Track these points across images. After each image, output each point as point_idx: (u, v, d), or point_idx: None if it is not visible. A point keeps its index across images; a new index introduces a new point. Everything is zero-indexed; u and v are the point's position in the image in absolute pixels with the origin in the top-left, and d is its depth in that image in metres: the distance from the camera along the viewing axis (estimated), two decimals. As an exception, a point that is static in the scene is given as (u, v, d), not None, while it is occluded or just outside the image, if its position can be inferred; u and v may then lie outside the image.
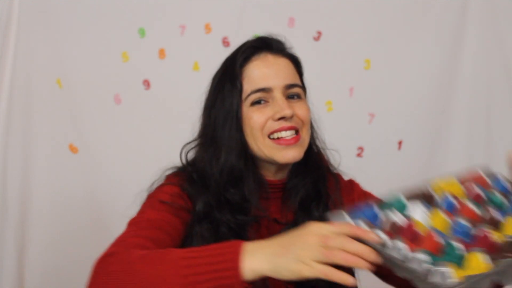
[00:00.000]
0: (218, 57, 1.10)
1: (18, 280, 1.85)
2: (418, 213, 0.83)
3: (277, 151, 1.00)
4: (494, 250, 0.75)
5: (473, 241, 0.77)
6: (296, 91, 1.04)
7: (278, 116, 0.99)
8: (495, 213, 0.84)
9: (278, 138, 1.00)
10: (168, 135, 1.80)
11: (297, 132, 1.02)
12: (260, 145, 1.01)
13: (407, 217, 0.81)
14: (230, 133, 1.02)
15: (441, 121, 2.02)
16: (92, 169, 1.91)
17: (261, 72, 1.02)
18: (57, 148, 1.88)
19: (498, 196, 0.89)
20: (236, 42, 1.09)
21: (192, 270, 0.75)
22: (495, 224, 0.81)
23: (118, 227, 0.96)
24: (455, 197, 0.87)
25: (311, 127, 1.09)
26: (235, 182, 1.01)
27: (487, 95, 2.00)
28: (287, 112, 0.99)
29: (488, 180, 0.94)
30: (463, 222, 0.80)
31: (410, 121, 2.02)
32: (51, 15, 1.83)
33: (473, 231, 0.78)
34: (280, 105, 1.00)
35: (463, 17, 1.97)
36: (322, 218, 0.83)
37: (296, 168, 1.07)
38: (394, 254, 0.73)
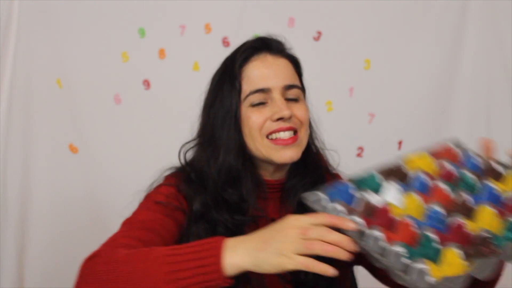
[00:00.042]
0: (218, 57, 1.10)
1: (18, 280, 1.86)
2: (393, 194, 0.85)
3: (274, 151, 1.00)
4: (468, 243, 0.77)
5: (447, 231, 0.79)
6: (295, 92, 1.04)
7: (277, 116, 0.99)
8: (467, 198, 0.86)
9: (276, 138, 1.00)
10: (168, 135, 1.80)
11: (295, 132, 1.02)
12: (258, 145, 1.01)
13: (383, 199, 0.83)
14: (229, 133, 1.02)
15: (441, 121, 2.02)
16: (92, 169, 1.91)
17: (260, 73, 1.02)
18: (57, 148, 1.88)
19: (470, 176, 0.91)
20: (236, 42, 1.09)
21: (175, 267, 0.77)
22: (468, 211, 0.83)
23: (118, 227, 0.96)
24: (428, 175, 0.89)
25: (310, 127, 1.09)
26: (233, 182, 1.01)
27: (487, 95, 2.00)
28: (285, 112, 0.99)
29: (459, 154, 0.96)
30: (437, 208, 0.82)
31: (410, 121, 2.02)
32: (51, 15, 1.83)
33: (448, 221, 0.80)
34: (278, 106, 1.00)
35: (463, 17, 1.97)
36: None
37: (295, 168, 1.07)
38: (371, 244, 0.75)
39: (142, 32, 1.89)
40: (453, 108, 2.01)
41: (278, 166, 1.05)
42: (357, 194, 0.84)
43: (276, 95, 1.01)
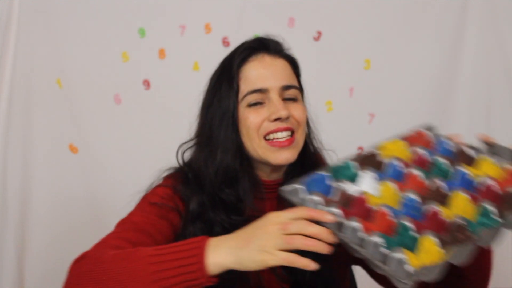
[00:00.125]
0: (218, 57, 1.10)
1: (18, 280, 1.86)
2: (368, 183, 0.85)
3: (270, 152, 1.01)
4: (444, 231, 0.78)
5: (423, 219, 0.80)
6: (292, 92, 1.04)
7: (274, 117, 1.00)
8: (441, 184, 0.86)
9: (273, 139, 1.01)
10: (168, 135, 1.79)
11: (292, 133, 1.02)
12: (255, 146, 1.01)
13: (359, 189, 0.84)
14: (226, 133, 1.02)
15: (441, 121, 2.02)
16: (92, 169, 1.91)
17: (258, 73, 1.02)
18: (57, 148, 1.88)
19: (443, 162, 0.91)
20: (236, 42, 1.09)
21: (159, 266, 0.78)
22: (442, 198, 0.83)
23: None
24: (402, 161, 0.89)
25: (308, 127, 1.09)
26: (230, 182, 1.02)
27: (487, 95, 1.99)
28: (282, 113, 0.99)
29: (431, 138, 0.96)
30: (413, 196, 0.82)
31: (410, 121, 2.00)
32: (51, 15, 1.83)
33: (423, 208, 0.81)
34: (276, 106, 1.00)
35: (463, 17, 1.96)
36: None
37: (292, 169, 1.07)
38: (350, 235, 0.75)
39: (142, 32, 1.89)
40: (453, 108, 2.01)
41: (275, 167, 1.05)
42: (334, 184, 0.84)
43: (274, 96, 1.01)
